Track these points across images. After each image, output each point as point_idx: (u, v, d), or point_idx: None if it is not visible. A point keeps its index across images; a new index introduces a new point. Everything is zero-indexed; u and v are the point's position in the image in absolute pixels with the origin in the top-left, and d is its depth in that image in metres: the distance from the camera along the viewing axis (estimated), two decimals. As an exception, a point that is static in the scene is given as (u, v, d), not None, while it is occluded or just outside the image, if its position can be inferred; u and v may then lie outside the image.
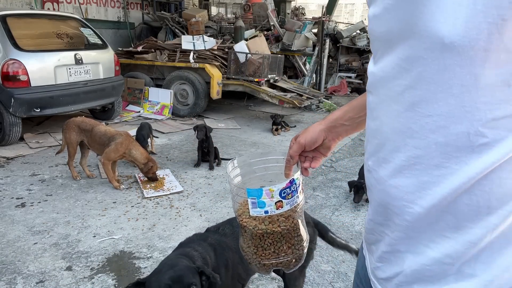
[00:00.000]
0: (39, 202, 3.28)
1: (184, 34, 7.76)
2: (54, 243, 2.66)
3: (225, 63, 6.68)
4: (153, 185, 3.68)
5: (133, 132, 4.58)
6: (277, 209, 0.81)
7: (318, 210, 3.35)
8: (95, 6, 9.06)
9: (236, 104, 7.87)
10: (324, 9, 10.49)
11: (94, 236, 2.77)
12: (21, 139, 4.84)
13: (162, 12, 9.76)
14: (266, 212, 0.82)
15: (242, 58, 6.46)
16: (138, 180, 3.79)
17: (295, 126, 6.17)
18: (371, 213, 0.72)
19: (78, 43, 5.47)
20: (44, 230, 2.83)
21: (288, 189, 0.81)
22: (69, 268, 2.39)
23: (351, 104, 0.92)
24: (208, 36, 7.49)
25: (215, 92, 6.35)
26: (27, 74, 4.49)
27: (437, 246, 0.60)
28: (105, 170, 3.58)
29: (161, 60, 6.77)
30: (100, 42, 5.68)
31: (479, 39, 0.48)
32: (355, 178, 3.66)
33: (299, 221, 0.87)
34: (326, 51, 8.69)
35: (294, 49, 8.47)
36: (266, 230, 0.83)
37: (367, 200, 2.80)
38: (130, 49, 7.37)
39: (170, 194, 3.53)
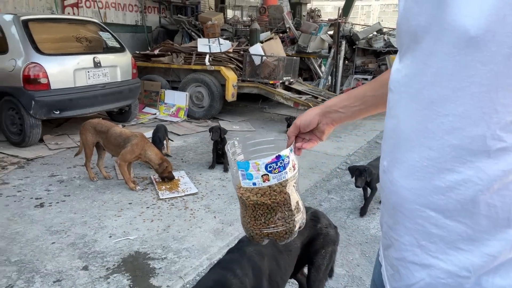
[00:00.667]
0: (57, 203, 3.34)
1: (200, 37, 7.83)
2: (71, 243, 2.71)
3: (240, 65, 6.70)
4: (168, 186, 3.71)
5: (149, 134, 4.63)
6: (263, 181, 0.88)
7: (333, 213, 3.32)
8: (114, 10, 9.23)
9: (250, 106, 7.88)
10: (340, 11, 10.42)
11: (110, 237, 2.81)
12: (41, 140, 4.96)
13: (179, 15, 9.86)
14: (254, 184, 0.89)
15: (257, 61, 6.46)
16: (154, 182, 3.83)
17: (310, 128, 6.12)
18: (384, 216, 0.71)
19: (97, 47, 5.58)
20: (62, 230, 2.89)
21: (274, 164, 0.87)
22: (85, 268, 2.43)
23: (349, 93, 0.95)
24: (224, 39, 7.53)
25: (230, 94, 6.38)
26: (47, 77, 4.60)
27: (449, 258, 0.57)
28: (121, 171, 3.63)
29: (177, 63, 6.84)
30: (118, 45, 5.78)
31: (503, 33, 0.46)
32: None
33: (292, 197, 0.93)
34: (342, 53, 8.62)
35: (309, 51, 8.43)
36: (257, 201, 0.90)
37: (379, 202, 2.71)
38: (147, 52, 7.47)
39: (185, 195, 3.56)
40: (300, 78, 7.74)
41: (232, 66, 6.56)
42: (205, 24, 7.91)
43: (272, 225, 0.92)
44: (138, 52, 7.45)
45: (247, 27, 9.17)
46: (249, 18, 10.83)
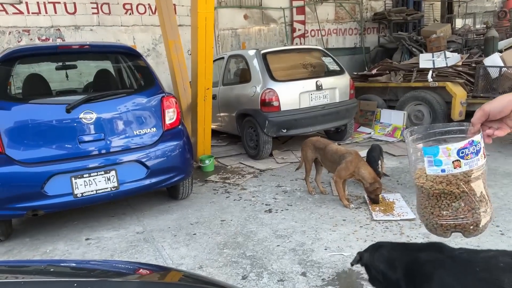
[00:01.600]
0: (282, 210, 3.78)
1: (422, 52, 7.36)
2: (292, 248, 3.00)
3: (471, 79, 5.89)
4: (382, 208, 3.61)
5: (363, 153, 4.65)
6: (454, 168, 0.84)
7: None
8: (335, 36, 9.86)
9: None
10: None
11: (325, 249, 2.95)
12: (270, 155, 5.74)
13: (399, 32, 9.59)
14: (443, 170, 0.85)
15: (494, 73, 5.53)
16: (367, 201, 3.80)
17: None
18: None
19: (319, 71, 6.07)
20: (285, 235, 3.24)
21: (466, 149, 0.83)
22: (303, 274, 2.64)
23: None
24: (451, 51, 6.83)
25: (457, 112, 5.68)
26: (278, 100, 5.33)
27: None
28: (337, 187, 3.78)
29: (395, 81, 6.64)
30: (338, 68, 6.10)
31: None
32: None
33: (479, 186, 0.88)
34: None
35: None
36: (443, 190, 0.87)
37: None
38: (365, 72, 7.58)
39: (400, 220, 3.37)
40: (557, 91, 6.13)
41: (461, 81, 5.84)
42: (428, 38, 7.39)
43: (461, 216, 0.88)
44: (355, 73, 7.65)
45: (481, 35, 8.03)
46: (484, 26, 9.43)
